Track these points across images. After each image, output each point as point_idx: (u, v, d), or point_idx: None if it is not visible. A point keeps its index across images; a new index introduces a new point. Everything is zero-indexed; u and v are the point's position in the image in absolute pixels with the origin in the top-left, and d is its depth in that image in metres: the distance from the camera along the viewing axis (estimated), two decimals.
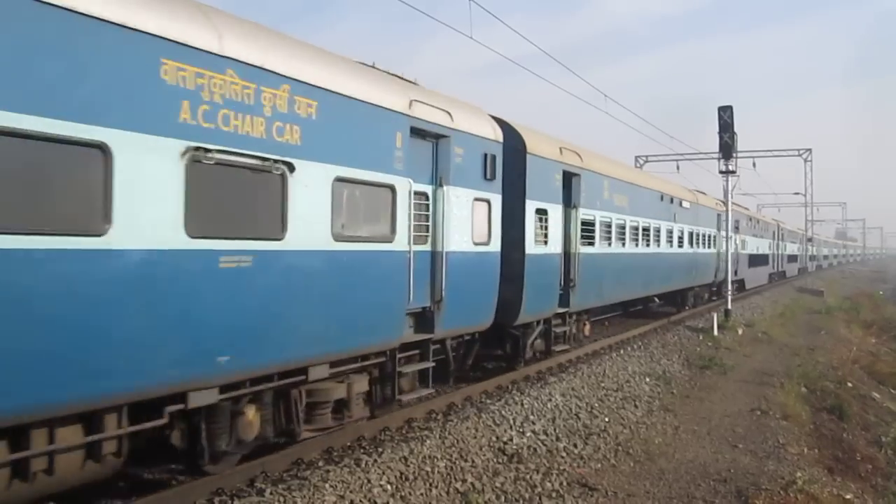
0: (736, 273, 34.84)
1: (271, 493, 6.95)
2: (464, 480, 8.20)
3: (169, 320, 6.17)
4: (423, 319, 10.12)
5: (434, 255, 10.13)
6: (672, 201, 23.26)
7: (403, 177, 9.10)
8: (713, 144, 26.38)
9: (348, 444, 8.91)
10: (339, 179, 8.03)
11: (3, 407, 5.11)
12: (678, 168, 41.71)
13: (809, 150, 47.61)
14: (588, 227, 16.05)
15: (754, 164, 43.94)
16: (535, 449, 9.67)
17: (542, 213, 13.44)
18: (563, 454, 9.74)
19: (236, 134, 6.75)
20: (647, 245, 20.61)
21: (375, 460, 8.01)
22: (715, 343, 21.26)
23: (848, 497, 10.15)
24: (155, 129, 6.01)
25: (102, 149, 5.59)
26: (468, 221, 10.82)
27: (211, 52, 6.53)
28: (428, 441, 8.89)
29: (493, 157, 11.53)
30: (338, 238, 8.02)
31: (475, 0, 13.37)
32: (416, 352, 10.16)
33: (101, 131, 5.58)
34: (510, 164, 12.24)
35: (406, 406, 10.31)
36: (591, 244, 16.24)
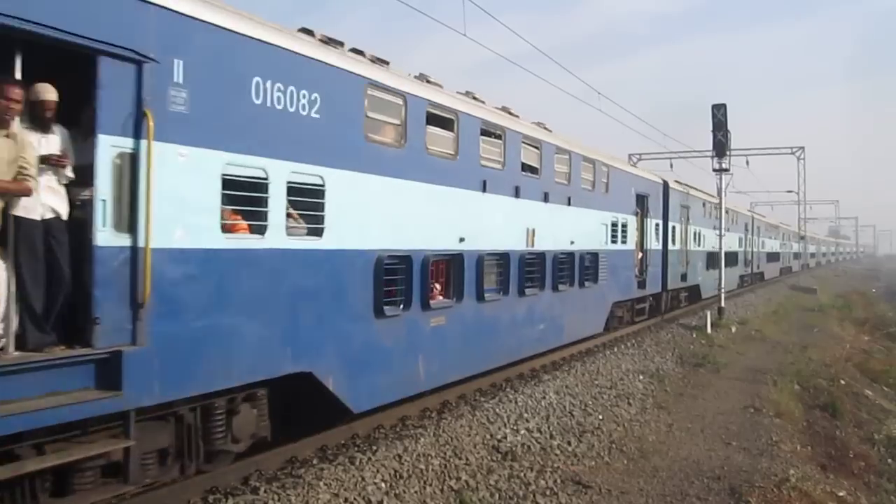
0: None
1: (265, 492, 6.94)
2: (458, 478, 8.21)
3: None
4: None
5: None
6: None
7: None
8: (707, 143, 26.46)
9: (342, 441, 8.91)
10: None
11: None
12: (671, 166, 41.75)
13: (802, 148, 47.58)
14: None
15: (748, 163, 43.92)
16: (528, 447, 9.68)
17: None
18: (557, 452, 9.75)
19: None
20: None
21: (370, 458, 8.01)
22: (708, 341, 21.32)
23: (841, 494, 10.19)
24: None
25: None
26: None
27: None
28: (422, 439, 8.89)
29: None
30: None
31: None
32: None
33: None
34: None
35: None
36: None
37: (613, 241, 17.99)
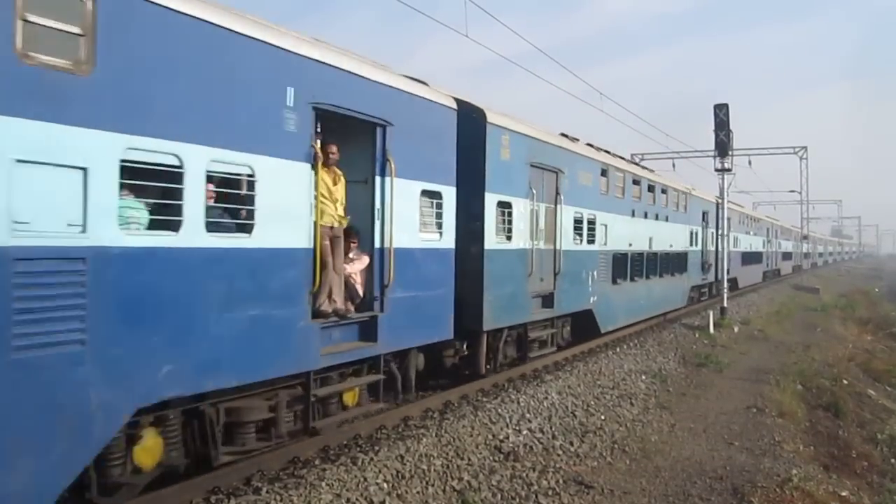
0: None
1: (268, 492, 6.95)
2: (460, 478, 8.21)
3: None
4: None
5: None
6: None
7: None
8: (709, 142, 26.44)
9: (344, 442, 8.91)
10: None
11: None
12: (674, 166, 41.81)
13: (805, 147, 47.64)
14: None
15: (750, 162, 44.02)
16: (531, 447, 9.68)
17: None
18: (560, 452, 9.75)
19: None
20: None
21: (372, 458, 8.01)
22: (711, 341, 21.31)
23: (843, 494, 10.18)
24: None
25: None
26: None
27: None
28: (424, 439, 8.89)
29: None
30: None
31: None
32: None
33: None
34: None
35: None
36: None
37: (170, 227, 6.40)
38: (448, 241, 10.72)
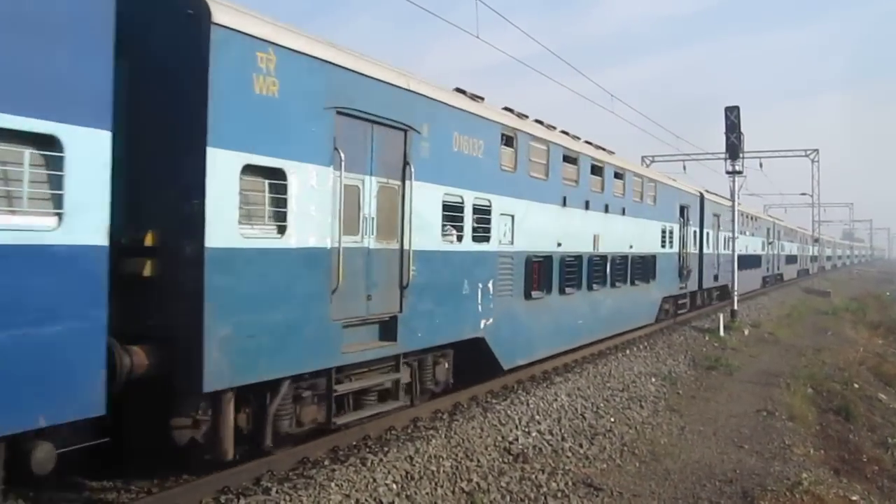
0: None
1: (277, 492, 6.97)
2: (469, 480, 8.22)
3: None
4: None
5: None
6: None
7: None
8: (720, 145, 26.37)
9: (354, 443, 8.93)
10: None
11: None
12: (685, 168, 41.74)
13: (816, 150, 47.56)
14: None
15: (761, 165, 43.91)
16: (540, 449, 9.68)
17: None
18: (569, 454, 9.75)
19: None
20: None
21: (381, 459, 8.03)
22: (721, 343, 21.24)
23: (854, 498, 10.14)
24: None
25: None
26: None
27: None
28: (433, 440, 8.90)
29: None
30: None
31: (482, 0, 13.37)
32: None
33: None
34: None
35: None
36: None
37: None
38: (84, 232, 5.53)
